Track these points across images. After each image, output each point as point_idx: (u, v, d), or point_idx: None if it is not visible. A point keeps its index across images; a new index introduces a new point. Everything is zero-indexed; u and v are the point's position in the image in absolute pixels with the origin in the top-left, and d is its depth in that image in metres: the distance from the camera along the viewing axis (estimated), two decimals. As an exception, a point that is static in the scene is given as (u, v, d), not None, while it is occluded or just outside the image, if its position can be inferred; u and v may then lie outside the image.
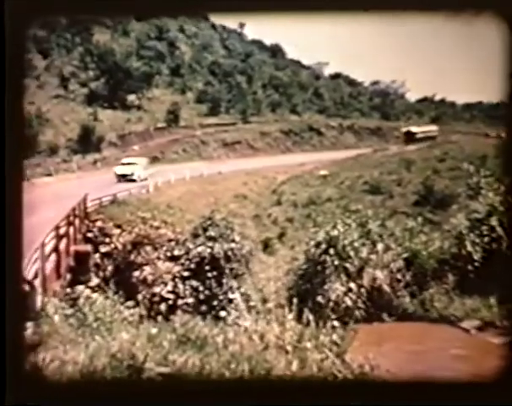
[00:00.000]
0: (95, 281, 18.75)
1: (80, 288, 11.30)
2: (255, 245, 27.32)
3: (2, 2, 5.24)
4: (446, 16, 5.67)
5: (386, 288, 22.16)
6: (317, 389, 6.44)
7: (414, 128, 71.63)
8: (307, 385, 6.81)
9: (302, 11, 5.59)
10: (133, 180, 41.08)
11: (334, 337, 8.26)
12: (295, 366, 7.36)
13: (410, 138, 68.77)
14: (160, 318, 12.98)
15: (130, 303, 11.32)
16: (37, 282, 9.39)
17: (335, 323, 9.05)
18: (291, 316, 8.63)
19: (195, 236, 23.08)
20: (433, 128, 73.55)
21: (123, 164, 45.42)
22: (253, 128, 72.90)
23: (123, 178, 41.81)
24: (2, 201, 5.22)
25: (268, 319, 8.83)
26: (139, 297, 20.67)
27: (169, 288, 21.47)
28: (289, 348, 7.93)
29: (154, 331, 7.82)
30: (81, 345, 8.19)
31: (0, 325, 5.04)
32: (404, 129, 72.11)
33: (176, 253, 22.56)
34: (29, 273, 9.39)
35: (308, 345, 7.98)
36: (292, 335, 8.19)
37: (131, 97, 76.03)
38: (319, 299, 22.29)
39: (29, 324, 7.84)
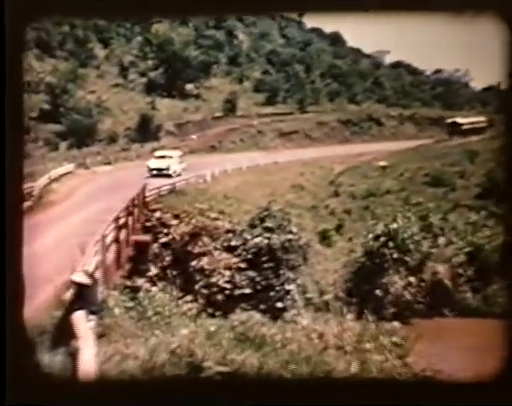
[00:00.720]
0: (153, 271, 19.04)
1: (140, 281, 11.43)
2: (312, 237, 27.12)
3: (2, 2, 5.19)
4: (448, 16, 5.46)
5: (447, 282, 21.79)
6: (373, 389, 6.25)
7: (460, 120, 67.16)
8: (365, 385, 6.63)
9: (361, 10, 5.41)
10: (169, 175, 37.46)
11: (395, 338, 8.09)
12: (354, 368, 7.25)
13: (455, 129, 64.06)
14: (218, 312, 13.11)
15: (189, 297, 11.38)
16: (98, 274, 9.50)
17: (396, 324, 8.87)
18: (350, 316, 8.51)
19: (252, 226, 23.13)
20: (481, 119, 67.74)
21: (157, 157, 41.61)
22: (310, 117, 72.26)
23: (158, 172, 38.57)
24: (2, 201, 5.19)
25: (326, 318, 8.73)
26: (197, 287, 20.91)
27: (226, 278, 21.60)
28: (348, 348, 7.80)
29: (212, 328, 7.82)
30: (141, 339, 8.28)
31: (0, 325, 5.02)
32: (449, 120, 67.33)
33: (233, 243, 22.67)
34: (90, 265, 9.52)
35: (368, 346, 7.84)
36: (351, 335, 8.06)
37: (189, 86, 76.63)
38: (378, 292, 22.13)
39: (93, 317, 7.95)
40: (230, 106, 70.98)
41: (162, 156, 41.43)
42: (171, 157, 41.00)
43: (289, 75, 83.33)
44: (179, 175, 37.35)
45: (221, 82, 79.54)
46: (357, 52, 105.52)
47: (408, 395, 5.28)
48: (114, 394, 5.39)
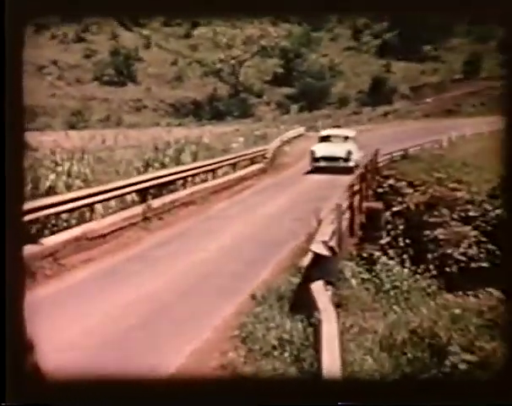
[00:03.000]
0: (385, 239, 18.60)
1: (377, 253, 11.12)
2: None
3: (2, 2, 5.06)
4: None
5: None
6: None
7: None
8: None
9: None
10: (349, 170, 22.84)
11: None
12: None
13: None
14: (454, 288, 12.33)
15: (427, 273, 10.81)
16: (333, 243, 9.39)
17: None
18: None
19: (493, 197, 21.47)
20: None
21: (324, 139, 26.50)
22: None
23: (330, 163, 24.41)
24: (3, 203, 5.01)
25: None
26: (429, 257, 20.05)
27: (462, 250, 20.40)
28: None
29: (457, 311, 7.29)
30: (379, 313, 8.02)
31: (0, 325, 4.89)
32: None
33: (471, 214, 21.28)
34: (327, 235, 9.43)
35: None
36: None
37: (426, 48, 73.52)
38: None
39: (330, 287, 7.89)
40: (471, 68, 66.45)
41: (330, 138, 26.78)
42: (346, 138, 26.32)
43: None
44: (357, 167, 21.90)
45: (462, 42, 74.81)
46: None
47: (408, 395, 5.00)
48: (114, 394, 5.18)
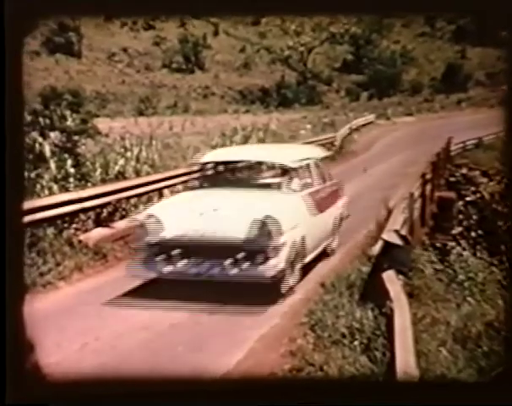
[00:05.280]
0: (458, 229, 18.09)
1: (451, 243, 10.79)
2: None
3: (2, 2, 4.96)
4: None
5: None
6: None
7: None
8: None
9: None
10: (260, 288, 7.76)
11: None
12: None
13: None
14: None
15: (504, 266, 10.40)
16: (404, 231, 9.15)
17: None
18: None
19: None
20: None
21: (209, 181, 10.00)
22: None
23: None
24: (3, 203, 4.84)
25: None
26: (503, 248, 19.35)
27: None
28: None
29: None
30: (452, 305, 7.77)
31: (0, 324, 4.79)
32: None
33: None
34: (399, 223, 9.20)
35: None
36: None
37: (504, 33, 70.90)
38: None
39: (401, 277, 7.68)
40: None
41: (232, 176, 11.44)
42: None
43: None
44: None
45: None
46: None
47: (407, 395, 4.79)
48: (114, 394, 5.00)
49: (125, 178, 13.75)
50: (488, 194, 19.64)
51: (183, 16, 64.40)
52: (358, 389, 5.27)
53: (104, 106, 54.00)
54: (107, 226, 11.00)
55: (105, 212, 11.28)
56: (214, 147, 19.55)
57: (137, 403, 5.07)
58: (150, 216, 8.05)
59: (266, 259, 7.52)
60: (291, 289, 8.08)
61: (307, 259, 8.76)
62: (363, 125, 37.39)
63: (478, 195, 19.80)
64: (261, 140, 22.62)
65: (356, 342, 6.19)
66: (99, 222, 11.01)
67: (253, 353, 6.36)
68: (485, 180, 20.84)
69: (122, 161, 15.07)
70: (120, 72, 66.81)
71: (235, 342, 6.60)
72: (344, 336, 6.36)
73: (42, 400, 4.97)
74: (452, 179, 21.91)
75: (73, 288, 8.69)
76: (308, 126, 33.17)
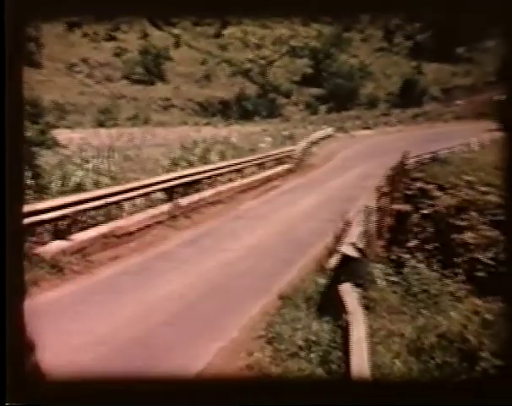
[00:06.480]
0: (413, 242, 18.42)
1: (406, 256, 11.00)
2: None
3: (1, 2, 5.01)
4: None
5: None
6: None
7: None
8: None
9: None
10: None
11: None
12: None
13: None
14: (483, 292, 12.13)
15: (458, 277, 10.65)
16: (361, 244, 9.31)
17: None
18: None
19: (524, 202, 21.12)
20: None
21: None
22: None
23: None
24: (3, 204, 4.94)
25: None
26: (457, 261, 19.76)
27: (491, 254, 20.07)
28: None
29: (488, 316, 7.14)
30: (407, 317, 7.92)
31: (0, 325, 4.84)
32: None
33: (500, 218, 20.92)
34: (355, 236, 9.36)
35: None
36: None
37: (460, 50, 72.59)
38: None
39: (357, 289, 7.80)
40: (505, 71, 65.45)
41: None
42: None
43: None
44: None
45: (496, 44, 73.44)
46: None
47: (407, 395, 4.95)
48: (114, 394, 5.10)
49: (84, 191, 13.60)
50: (443, 207, 20.04)
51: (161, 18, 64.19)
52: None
53: (63, 117, 53.22)
54: (65, 239, 10.88)
55: (63, 225, 11.15)
56: (174, 159, 19.52)
57: (136, 403, 5.11)
58: None
59: None
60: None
61: None
62: (322, 138, 37.75)
63: (433, 209, 20.19)
64: (221, 153, 22.66)
65: (312, 355, 6.27)
66: (56, 235, 10.88)
67: (211, 367, 6.38)
68: (440, 194, 21.26)
69: (80, 173, 14.91)
70: (80, 82, 66.07)
71: (193, 356, 6.61)
72: (301, 348, 6.43)
73: (42, 400, 5.00)
74: (408, 193, 22.26)
75: (29, 302, 8.55)
76: (268, 139, 33.32)
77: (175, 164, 18.99)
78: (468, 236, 20.36)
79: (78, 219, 11.65)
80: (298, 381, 5.79)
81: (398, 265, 10.32)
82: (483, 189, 21.27)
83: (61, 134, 26.93)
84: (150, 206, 14.36)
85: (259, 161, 22.66)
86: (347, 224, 11.00)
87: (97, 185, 14.54)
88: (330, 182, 22.38)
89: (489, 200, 20.77)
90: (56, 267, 9.84)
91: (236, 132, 36.98)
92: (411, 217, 20.18)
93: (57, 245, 10.54)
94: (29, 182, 12.98)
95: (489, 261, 19.90)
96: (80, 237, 11.05)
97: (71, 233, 11.12)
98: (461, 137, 35.63)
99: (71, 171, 15.04)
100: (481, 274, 19.60)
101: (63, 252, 10.36)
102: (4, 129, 4.97)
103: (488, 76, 65.86)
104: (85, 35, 73.30)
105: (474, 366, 6.26)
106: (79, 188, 13.94)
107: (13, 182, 5.02)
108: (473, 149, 32.45)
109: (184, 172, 16.51)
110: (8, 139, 4.98)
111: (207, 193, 16.85)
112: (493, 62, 67.72)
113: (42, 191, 13.13)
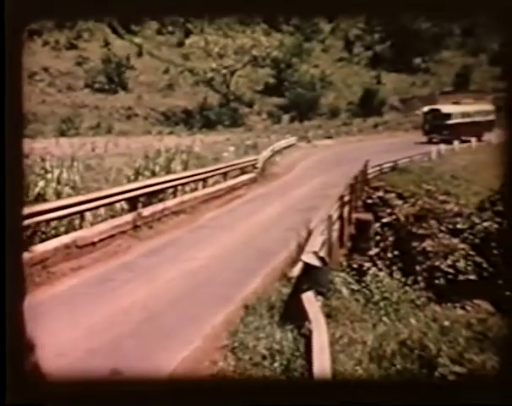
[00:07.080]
0: (374, 250, 18.68)
1: (367, 264, 11.18)
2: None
3: (2, 2, 5.08)
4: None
5: None
6: None
7: (446, 108, 45.16)
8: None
9: None
10: None
11: None
12: None
13: (434, 125, 42.97)
14: (442, 300, 12.40)
15: (417, 285, 10.88)
16: (323, 253, 9.44)
17: None
18: None
19: (481, 210, 21.61)
20: (487, 107, 44.52)
21: None
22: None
23: None
24: (2, 206, 5.03)
25: None
26: (418, 269, 20.11)
27: (449, 262, 20.49)
28: None
29: (446, 323, 7.33)
30: (368, 325, 8.05)
31: (0, 325, 4.90)
32: (426, 109, 46.29)
33: (459, 226, 21.38)
34: (317, 245, 9.47)
35: None
36: None
37: (417, 60, 74.00)
38: None
39: (320, 298, 7.91)
40: (461, 81, 66.93)
41: None
42: None
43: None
44: None
45: (454, 55, 75.13)
46: None
47: (407, 395, 5.04)
48: (114, 394, 5.18)
49: (45, 201, 13.43)
50: (403, 215, 20.40)
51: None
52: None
53: (24, 126, 52.25)
54: (26, 250, 10.74)
55: (23, 235, 11.00)
56: (137, 169, 19.39)
57: (135, 403, 5.10)
58: None
59: None
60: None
61: None
62: (285, 148, 38.03)
63: (394, 217, 20.53)
64: (184, 162, 22.61)
65: (276, 364, 6.33)
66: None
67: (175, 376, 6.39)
68: (400, 202, 21.63)
69: (42, 183, 14.69)
70: (41, 91, 65.06)
71: (155, 367, 6.60)
72: (264, 358, 6.49)
73: (42, 400, 4.99)
74: (369, 201, 22.61)
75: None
76: (231, 148, 33.43)
77: (138, 174, 18.86)
78: (428, 244, 20.80)
79: (39, 230, 11.51)
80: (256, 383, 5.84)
81: (359, 273, 10.48)
82: (441, 197, 21.80)
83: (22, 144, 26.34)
84: (113, 216, 14.27)
85: (223, 170, 22.70)
86: (310, 233, 11.12)
87: (59, 195, 14.37)
88: (293, 191, 22.54)
89: (447, 208, 21.29)
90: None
91: (199, 141, 36.98)
92: (373, 226, 20.48)
93: (17, 257, 10.39)
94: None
95: (448, 269, 20.37)
96: (42, 248, 10.92)
97: (32, 244, 10.98)
98: (420, 146, 36.34)
99: (32, 181, 14.82)
100: (440, 281, 20.06)
101: (25, 263, 10.22)
102: (4, 129, 5.02)
103: (445, 86, 67.34)
104: (46, 43, 72.29)
105: (433, 372, 6.41)
106: (41, 198, 13.75)
107: (14, 182, 5.04)
108: (432, 158, 33.16)
109: (147, 182, 16.44)
110: (7, 139, 5.06)
111: (170, 203, 16.81)
112: (450, 72, 69.38)
113: (2, 201, 12.89)
